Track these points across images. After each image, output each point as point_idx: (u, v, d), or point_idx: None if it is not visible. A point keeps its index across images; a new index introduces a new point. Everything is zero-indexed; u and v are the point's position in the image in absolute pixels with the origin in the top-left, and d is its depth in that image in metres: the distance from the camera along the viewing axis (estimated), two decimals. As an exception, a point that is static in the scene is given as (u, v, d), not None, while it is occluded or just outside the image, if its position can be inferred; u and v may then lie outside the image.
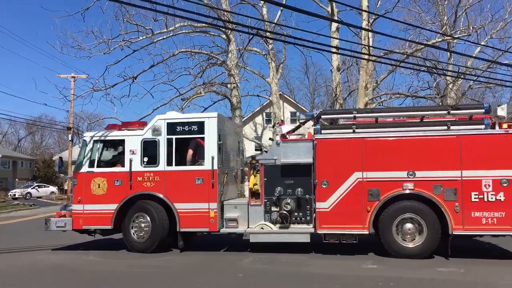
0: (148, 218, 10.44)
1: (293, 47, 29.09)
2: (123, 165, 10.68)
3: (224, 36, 25.99)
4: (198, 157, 10.53)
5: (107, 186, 10.65)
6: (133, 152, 10.63)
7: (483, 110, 9.45)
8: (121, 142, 10.88)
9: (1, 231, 16.82)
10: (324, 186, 9.54)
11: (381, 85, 31.43)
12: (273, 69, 26.50)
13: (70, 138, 45.21)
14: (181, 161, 10.57)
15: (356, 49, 25.24)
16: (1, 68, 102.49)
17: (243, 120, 28.52)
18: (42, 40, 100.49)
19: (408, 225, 9.20)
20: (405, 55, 25.52)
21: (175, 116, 10.97)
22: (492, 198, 8.84)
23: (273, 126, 11.38)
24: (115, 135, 11.07)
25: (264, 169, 10.08)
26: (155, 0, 11.69)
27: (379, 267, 8.50)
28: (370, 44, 24.81)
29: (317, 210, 9.51)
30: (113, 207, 10.49)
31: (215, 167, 10.29)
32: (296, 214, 9.91)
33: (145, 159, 10.63)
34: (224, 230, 10.28)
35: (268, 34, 23.11)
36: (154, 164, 10.55)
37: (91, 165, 10.94)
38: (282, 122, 10.00)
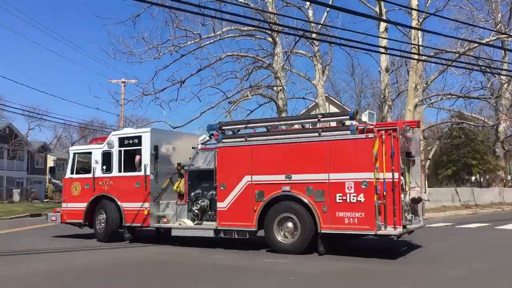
0: (105, 215, 12.78)
1: (340, 48, 28.74)
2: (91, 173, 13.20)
3: (270, 39, 26.08)
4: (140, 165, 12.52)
5: (80, 188, 13.30)
6: (96, 162, 13.09)
7: (348, 117, 10.17)
8: (90, 154, 13.37)
9: (56, 229, 17.52)
10: (222, 188, 10.87)
11: (432, 86, 30.51)
12: (319, 71, 26.32)
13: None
14: (130, 169, 12.55)
15: (406, 49, 24.67)
16: (57, 74, 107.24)
17: (289, 122, 28.45)
18: (95, 46, 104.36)
19: (288, 224, 10.21)
20: (457, 55, 24.71)
21: (124, 132, 13.55)
22: (353, 199, 9.40)
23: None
24: (85, 148, 13.91)
25: (187, 174, 11.78)
26: (203, 5, 11.88)
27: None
28: (420, 44, 24.20)
29: (217, 209, 10.96)
30: (84, 205, 13.09)
31: (148, 173, 12.23)
32: (209, 212, 11.45)
33: (104, 167, 12.98)
34: (154, 225, 12.12)
35: (314, 35, 22.98)
36: (109, 171, 12.87)
37: (72, 172, 13.63)
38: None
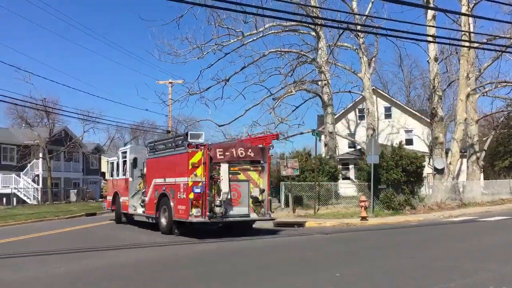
0: (116, 205, 19.36)
1: (386, 39, 27.98)
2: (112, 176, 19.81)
3: (313, 33, 25.72)
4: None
5: (111, 186, 19.97)
6: (114, 169, 19.62)
7: (183, 137, 14.11)
8: (113, 163, 19.85)
9: (125, 229, 18.08)
10: (146, 187, 16.06)
11: (485, 74, 29.15)
12: (365, 64, 25.72)
13: (169, 141, 47.38)
14: (123, 174, 18.52)
15: (456, 37, 23.65)
16: (108, 79, 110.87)
17: (335, 117, 28.03)
18: (141, 49, 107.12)
19: (165, 213, 14.53)
20: (512, 40, 23.46)
21: (122, 148, 20.08)
22: (183, 196, 13.36)
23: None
24: (110, 159, 20.86)
25: (143, 178, 16.94)
26: (245, 3, 11.82)
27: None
28: (471, 30, 23.14)
29: (144, 202, 16.29)
30: (110, 198, 19.90)
31: (127, 176, 17.90)
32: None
33: (114, 172, 19.61)
34: (130, 212, 17.56)
35: (358, 27, 22.46)
36: (117, 175, 19.20)
37: (110, 175, 20.28)
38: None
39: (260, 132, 20.11)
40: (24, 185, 39.71)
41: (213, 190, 13.06)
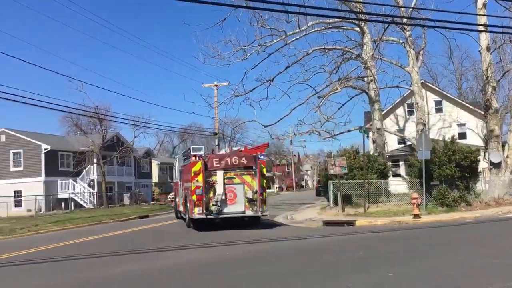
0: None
1: (434, 31, 27.12)
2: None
3: (357, 29, 25.30)
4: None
5: (179, 188, 20.74)
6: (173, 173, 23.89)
7: (189, 150, 17.77)
8: (173, 168, 23.82)
9: (165, 230, 18.51)
10: (182, 190, 19.38)
11: (543, 62, 27.64)
12: (412, 57, 25.03)
13: (216, 143, 47.69)
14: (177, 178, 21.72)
15: (509, 25, 22.57)
16: (157, 85, 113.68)
17: (382, 113, 27.45)
18: (187, 54, 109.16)
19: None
20: None
21: (177, 156, 24.27)
22: (191, 197, 16.44)
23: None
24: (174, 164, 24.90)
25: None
26: (287, 2, 11.78)
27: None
28: (526, 17, 22.00)
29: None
30: (180, 200, 20.59)
31: (177, 180, 21.24)
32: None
33: (176, 177, 22.39)
34: (179, 209, 21.20)
35: (404, 20, 21.89)
36: (175, 179, 23.17)
37: (176, 178, 22.51)
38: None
39: (306, 131, 20.70)
40: (81, 189, 41.39)
41: (210, 193, 16.33)
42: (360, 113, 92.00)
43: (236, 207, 16.62)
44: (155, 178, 62.27)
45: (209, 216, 16.22)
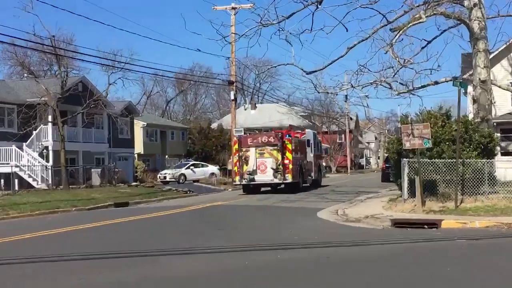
0: None
1: None
2: None
3: None
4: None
5: None
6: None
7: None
8: None
9: (169, 223, 18.88)
10: None
11: None
12: (541, -30, 24.34)
13: (232, 97, 47.69)
14: None
15: None
16: (143, 6, 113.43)
17: (490, 57, 26.98)
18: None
19: None
20: None
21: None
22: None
23: None
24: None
25: None
26: None
27: None
28: None
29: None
30: None
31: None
32: None
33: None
34: None
35: None
36: None
37: None
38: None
39: (370, 82, 20.36)
40: (29, 161, 41.41)
41: (243, 166, 34.85)
42: (454, 56, 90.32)
43: (266, 176, 34.85)
44: (139, 147, 63.25)
45: (242, 183, 35.66)
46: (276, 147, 34.52)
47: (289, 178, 34.41)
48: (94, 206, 27.64)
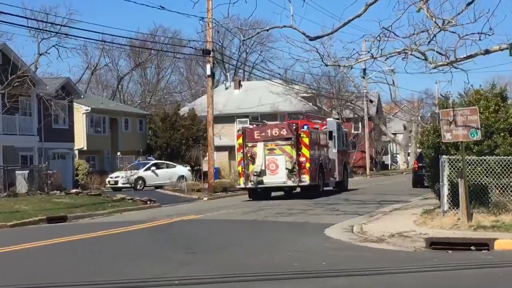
0: None
1: None
2: None
3: None
4: None
5: None
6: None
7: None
8: None
9: (108, 251, 18.80)
10: None
11: None
12: None
13: (209, 72, 47.51)
14: None
15: None
16: None
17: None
18: None
19: None
20: None
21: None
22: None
23: None
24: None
25: None
26: None
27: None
28: None
29: None
30: None
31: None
32: None
33: None
34: None
35: None
36: None
37: None
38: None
39: (396, 51, 24.06)
40: None
41: (249, 165, 35.83)
42: (510, 17, 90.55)
43: (278, 178, 36.54)
44: (81, 140, 62.96)
45: (248, 186, 37.49)
46: (289, 142, 36.48)
47: (306, 180, 36.27)
48: (19, 221, 27.38)
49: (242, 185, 38.09)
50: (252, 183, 36.51)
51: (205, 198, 41.78)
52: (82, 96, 64.34)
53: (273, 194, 39.09)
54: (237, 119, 47.70)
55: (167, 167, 58.68)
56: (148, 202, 37.92)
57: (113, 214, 32.06)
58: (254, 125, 40.96)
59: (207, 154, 49.25)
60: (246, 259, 15.99)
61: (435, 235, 18.05)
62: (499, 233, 17.94)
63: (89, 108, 64.82)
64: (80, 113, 62.77)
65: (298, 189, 38.72)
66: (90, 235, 21.80)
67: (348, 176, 48.89)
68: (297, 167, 35.95)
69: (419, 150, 55.29)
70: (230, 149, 79.31)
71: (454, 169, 21.23)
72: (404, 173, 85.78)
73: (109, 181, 55.64)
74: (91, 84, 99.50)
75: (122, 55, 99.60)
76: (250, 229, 23.31)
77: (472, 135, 20.01)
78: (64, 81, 58.55)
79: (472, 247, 16.68)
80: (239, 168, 37.69)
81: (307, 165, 36.04)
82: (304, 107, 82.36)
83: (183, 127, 71.72)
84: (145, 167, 57.79)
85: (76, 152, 60.85)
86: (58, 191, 44.50)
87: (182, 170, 58.36)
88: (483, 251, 16.41)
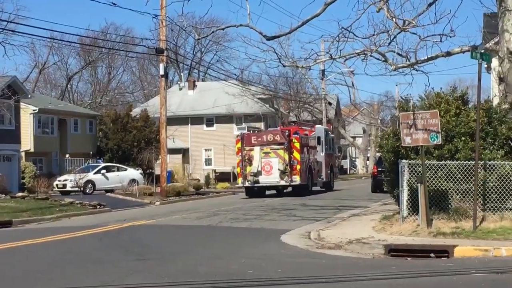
0: None
1: None
2: None
3: None
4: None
5: None
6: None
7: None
8: None
9: (51, 258, 18.63)
10: None
11: None
12: None
13: (162, 71, 47.47)
14: None
15: None
16: None
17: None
18: None
19: None
20: None
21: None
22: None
23: None
24: None
25: None
26: None
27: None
28: None
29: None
30: None
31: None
32: None
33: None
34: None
35: None
36: None
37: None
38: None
39: (356, 52, 23.50)
40: None
41: (247, 166, 44.88)
42: (474, 17, 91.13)
43: (272, 178, 44.34)
44: (27, 142, 62.54)
45: (245, 185, 45.75)
46: (282, 146, 44.68)
47: (297, 180, 44.52)
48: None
49: (240, 184, 46.78)
50: (249, 182, 44.76)
51: (158, 203, 41.77)
52: (29, 96, 63.81)
53: (267, 192, 47.20)
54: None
55: (118, 170, 58.44)
56: (98, 207, 37.73)
57: (61, 219, 31.83)
58: (251, 131, 52.80)
59: (159, 157, 49.29)
60: (199, 266, 15.92)
61: (394, 242, 18.15)
62: (459, 240, 18.09)
63: (37, 108, 64.39)
64: (27, 113, 62.30)
65: (290, 188, 46.55)
66: (36, 240, 21.66)
67: (334, 177, 57.98)
68: (289, 169, 43.89)
69: (378, 154, 56.04)
70: (183, 151, 79.15)
71: (414, 174, 21.35)
72: (363, 177, 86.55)
73: (57, 185, 55.26)
74: (39, 83, 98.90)
75: (71, 53, 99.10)
76: (204, 235, 23.31)
77: (433, 139, 20.14)
78: (11, 80, 58.00)
79: (432, 254, 16.82)
80: (238, 169, 46.10)
81: (298, 167, 44.10)
82: (261, 108, 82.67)
83: (135, 128, 71.39)
84: (95, 170, 57.38)
85: (23, 154, 60.37)
86: (3, 195, 44.22)
87: (134, 173, 58.12)
88: (443, 258, 16.56)
